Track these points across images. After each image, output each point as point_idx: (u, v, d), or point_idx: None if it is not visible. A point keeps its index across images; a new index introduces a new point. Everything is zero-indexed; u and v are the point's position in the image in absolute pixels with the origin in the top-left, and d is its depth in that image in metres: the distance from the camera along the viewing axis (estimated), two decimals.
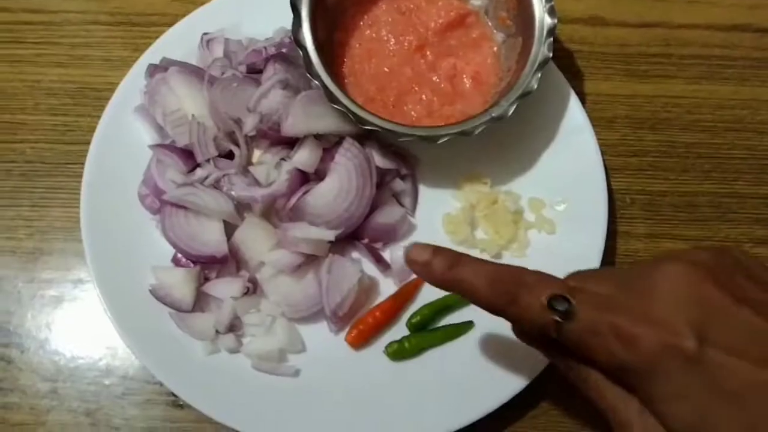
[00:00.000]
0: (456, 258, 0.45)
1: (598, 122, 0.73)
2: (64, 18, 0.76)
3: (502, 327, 0.62)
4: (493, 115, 0.62)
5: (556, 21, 0.63)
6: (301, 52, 0.61)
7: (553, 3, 0.63)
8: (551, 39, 0.63)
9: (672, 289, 0.39)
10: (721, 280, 0.39)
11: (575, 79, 0.76)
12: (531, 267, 0.63)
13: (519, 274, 0.44)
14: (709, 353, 0.37)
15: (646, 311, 0.39)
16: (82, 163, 0.65)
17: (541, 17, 0.63)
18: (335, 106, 0.60)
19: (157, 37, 0.71)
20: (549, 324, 0.41)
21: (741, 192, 0.73)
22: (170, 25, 0.73)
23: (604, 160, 0.67)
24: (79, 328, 0.64)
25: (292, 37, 0.62)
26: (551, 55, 0.63)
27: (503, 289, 0.43)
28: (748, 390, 0.37)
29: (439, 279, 0.46)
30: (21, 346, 0.63)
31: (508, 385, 0.60)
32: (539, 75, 0.62)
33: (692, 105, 0.76)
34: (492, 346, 0.62)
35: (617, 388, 0.42)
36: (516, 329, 0.51)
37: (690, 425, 0.38)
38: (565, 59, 0.76)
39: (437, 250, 0.46)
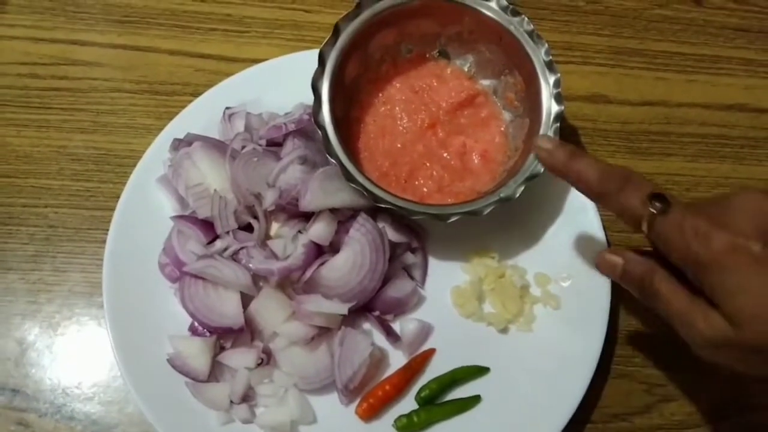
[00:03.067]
0: (575, 152, 0.57)
1: None
2: (89, 85, 0.79)
3: (509, 401, 0.64)
4: (502, 196, 0.65)
5: (562, 108, 0.66)
6: (320, 132, 0.64)
7: (560, 90, 0.67)
8: (557, 125, 0.66)
9: (745, 206, 0.48)
10: None
11: None
12: (536, 342, 0.67)
13: (628, 172, 0.53)
14: None
15: (722, 219, 0.48)
16: (104, 229, 0.68)
17: (549, 104, 0.67)
18: (351, 184, 0.63)
19: (179, 106, 0.74)
20: (645, 216, 0.50)
21: None
22: (192, 94, 0.76)
23: (607, 237, 0.70)
24: (96, 393, 0.66)
25: (311, 115, 0.66)
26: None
27: (613, 180, 0.53)
28: None
29: (559, 166, 0.57)
30: (38, 410, 0.65)
31: None
32: None
33: (691, 183, 0.79)
34: (499, 421, 0.63)
35: (685, 292, 0.50)
36: (604, 260, 0.58)
37: (751, 315, 0.45)
38: (569, 136, 0.80)
39: (561, 142, 0.58)
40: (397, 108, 0.73)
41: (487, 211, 0.64)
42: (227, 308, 0.63)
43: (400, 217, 0.67)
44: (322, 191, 0.65)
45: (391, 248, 0.66)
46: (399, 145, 0.72)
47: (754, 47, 0.88)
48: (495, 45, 0.72)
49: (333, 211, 0.66)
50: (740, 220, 0.47)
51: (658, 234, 0.50)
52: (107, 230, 0.67)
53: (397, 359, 0.66)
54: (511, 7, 0.69)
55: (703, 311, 0.48)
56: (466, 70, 0.75)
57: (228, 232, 0.65)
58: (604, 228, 0.70)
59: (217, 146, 0.68)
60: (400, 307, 0.67)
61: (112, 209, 0.68)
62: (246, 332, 0.63)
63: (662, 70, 0.86)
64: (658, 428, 0.68)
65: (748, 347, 0.46)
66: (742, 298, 0.45)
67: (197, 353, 0.62)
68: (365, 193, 0.63)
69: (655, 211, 0.50)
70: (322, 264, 0.64)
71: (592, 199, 0.56)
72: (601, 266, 0.58)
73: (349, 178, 0.63)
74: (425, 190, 0.70)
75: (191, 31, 0.82)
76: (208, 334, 0.63)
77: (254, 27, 0.83)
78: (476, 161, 0.72)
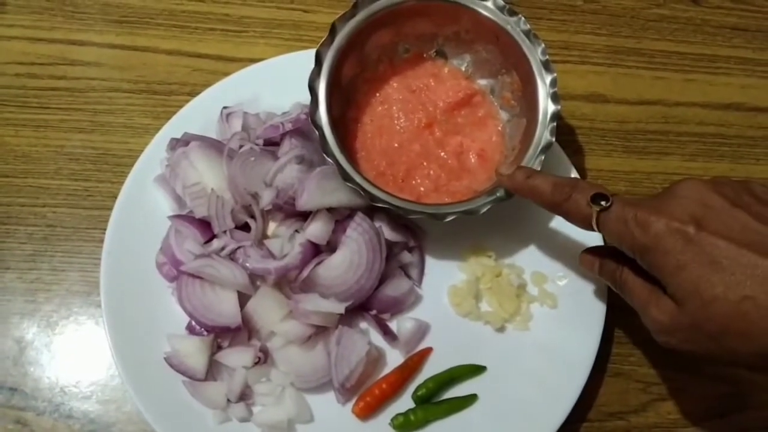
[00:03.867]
0: (532, 172, 0.62)
1: None
2: (87, 85, 0.79)
3: (506, 400, 0.64)
4: (498, 195, 0.65)
5: (559, 107, 0.66)
6: (317, 132, 0.64)
7: (557, 89, 0.67)
8: (554, 124, 0.66)
9: (684, 194, 0.51)
10: (726, 193, 0.51)
11: (576, 154, 0.79)
12: (533, 341, 0.67)
13: (575, 181, 0.59)
14: (704, 236, 0.48)
15: (661, 207, 0.51)
16: (101, 228, 0.68)
17: (545, 103, 0.67)
18: (348, 183, 0.63)
19: (177, 106, 0.74)
20: (592, 215, 0.54)
21: None
22: (190, 94, 0.76)
23: (603, 236, 0.70)
24: (94, 392, 0.66)
25: (308, 115, 0.66)
26: (554, 139, 0.66)
27: (562, 190, 0.57)
28: (732, 262, 0.47)
29: (519, 186, 0.61)
30: (37, 409, 0.65)
31: None
32: (542, 158, 0.65)
33: None
34: (495, 420, 0.64)
35: (644, 283, 0.54)
36: (583, 257, 0.64)
37: (689, 292, 0.49)
38: (566, 135, 0.80)
39: (519, 166, 0.63)
40: (394, 108, 0.73)
41: (483, 210, 0.64)
42: (224, 307, 0.63)
43: (396, 217, 0.67)
44: (319, 191, 0.65)
45: (388, 247, 0.66)
46: (396, 145, 0.72)
47: (751, 46, 0.88)
48: (492, 45, 0.72)
49: (330, 210, 0.66)
50: (676, 207, 0.51)
51: (606, 229, 0.54)
52: (105, 230, 0.67)
53: (394, 358, 0.66)
54: (507, 6, 0.69)
55: (656, 297, 0.52)
56: (463, 69, 0.75)
57: (225, 232, 0.65)
58: None
59: (214, 145, 0.68)
60: (397, 306, 0.67)
61: (110, 209, 0.68)
62: (243, 331, 0.64)
63: (660, 69, 0.86)
64: (654, 427, 0.69)
65: (691, 324, 0.49)
66: (680, 276, 0.49)
67: (194, 352, 0.62)
68: (362, 192, 0.63)
69: (599, 209, 0.54)
70: (319, 263, 0.64)
71: (549, 210, 0.60)
72: (582, 263, 0.64)
73: (346, 177, 0.64)
74: (422, 189, 0.71)
75: (189, 30, 0.82)
76: (205, 333, 0.63)
77: (252, 27, 0.83)
78: (473, 160, 0.72)
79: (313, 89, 0.65)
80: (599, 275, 0.61)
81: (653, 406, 0.69)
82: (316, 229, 0.65)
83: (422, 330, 0.67)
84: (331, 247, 0.66)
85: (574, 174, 0.72)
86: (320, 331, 0.64)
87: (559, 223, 0.70)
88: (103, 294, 0.64)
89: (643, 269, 0.53)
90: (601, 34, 0.87)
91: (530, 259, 0.70)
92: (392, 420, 0.63)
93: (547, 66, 0.68)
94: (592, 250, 0.64)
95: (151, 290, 0.66)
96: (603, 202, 0.54)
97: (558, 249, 0.70)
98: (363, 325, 0.67)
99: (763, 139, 0.83)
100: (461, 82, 0.74)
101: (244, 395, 0.63)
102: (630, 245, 0.52)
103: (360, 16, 0.68)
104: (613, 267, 0.58)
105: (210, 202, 0.65)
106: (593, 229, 0.56)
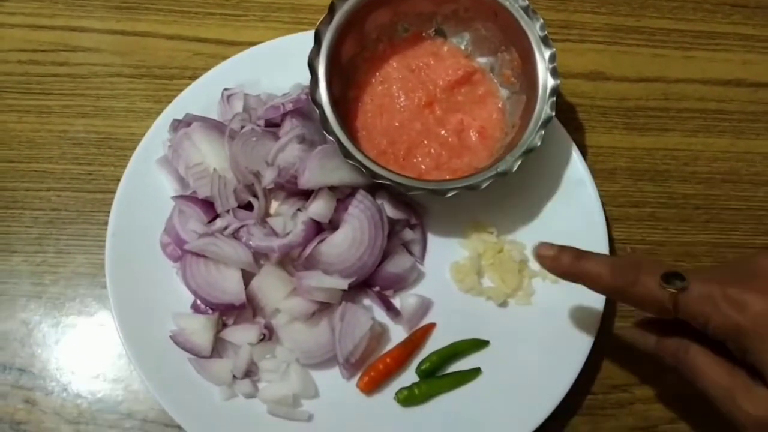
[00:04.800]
0: (580, 253, 0.54)
1: (599, 174, 0.76)
2: (89, 70, 0.79)
3: (509, 374, 0.65)
4: (499, 170, 0.65)
5: (558, 82, 0.67)
6: (317, 110, 0.65)
7: (555, 64, 0.67)
8: (554, 99, 0.66)
9: None
10: None
11: (577, 132, 0.79)
12: (535, 315, 0.67)
13: (637, 260, 0.53)
14: None
15: (753, 285, 0.46)
16: (105, 211, 0.69)
17: (545, 78, 0.67)
18: (349, 161, 0.64)
19: (178, 90, 0.74)
20: (666, 298, 0.48)
21: (738, 242, 0.76)
22: (191, 78, 0.77)
23: (605, 211, 0.70)
24: (102, 372, 0.67)
25: (308, 95, 0.66)
26: (554, 114, 0.66)
27: (624, 273, 0.51)
28: None
29: (567, 270, 0.54)
30: (45, 389, 0.66)
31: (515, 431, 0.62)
32: (543, 132, 0.66)
33: (689, 157, 0.80)
34: (499, 393, 0.64)
35: (724, 365, 0.48)
36: (635, 333, 0.58)
37: None
38: (567, 113, 0.80)
39: (562, 247, 0.55)
40: (394, 87, 0.73)
41: (484, 185, 0.65)
42: (229, 285, 0.63)
43: (398, 194, 0.68)
44: (321, 169, 0.65)
45: (389, 225, 0.67)
46: (397, 124, 0.72)
47: (751, 23, 0.88)
48: (491, 22, 0.72)
49: (332, 188, 0.66)
50: None
51: (688, 311, 0.48)
52: (109, 212, 0.67)
53: (398, 334, 0.67)
54: None
55: (745, 385, 0.47)
56: (462, 48, 0.75)
57: (228, 211, 0.66)
58: (602, 201, 0.70)
59: (216, 126, 0.69)
60: (400, 283, 0.68)
61: (114, 192, 0.68)
62: (248, 309, 0.64)
63: (660, 46, 0.86)
64: (658, 399, 0.69)
65: None
66: None
67: (200, 330, 0.63)
68: (363, 169, 0.64)
69: (675, 290, 0.48)
70: (322, 241, 0.65)
71: (608, 296, 0.54)
72: (634, 339, 0.58)
73: (347, 155, 0.64)
74: (423, 167, 0.71)
75: (189, 15, 0.83)
76: (210, 311, 0.64)
77: (252, 10, 0.83)
78: (474, 138, 0.72)
79: (312, 68, 0.65)
80: (657, 353, 0.55)
81: (656, 378, 0.70)
82: (319, 207, 0.65)
83: (425, 306, 0.67)
84: (333, 225, 0.67)
85: (575, 151, 0.72)
86: (324, 308, 0.64)
87: (560, 198, 0.71)
88: (109, 275, 0.65)
89: (717, 349, 0.49)
90: (601, 13, 0.87)
91: (531, 235, 0.70)
92: (397, 394, 0.63)
93: (545, 41, 0.68)
94: (646, 324, 0.57)
95: (156, 270, 0.67)
96: (678, 282, 0.48)
97: (560, 224, 0.70)
98: (366, 301, 0.68)
99: (764, 114, 0.83)
100: (461, 61, 0.75)
101: (250, 372, 0.63)
102: (719, 327, 0.47)
103: None
104: (676, 346, 0.52)
105: (213, 181, 0.66)
106: (669, 314, 0.49)
